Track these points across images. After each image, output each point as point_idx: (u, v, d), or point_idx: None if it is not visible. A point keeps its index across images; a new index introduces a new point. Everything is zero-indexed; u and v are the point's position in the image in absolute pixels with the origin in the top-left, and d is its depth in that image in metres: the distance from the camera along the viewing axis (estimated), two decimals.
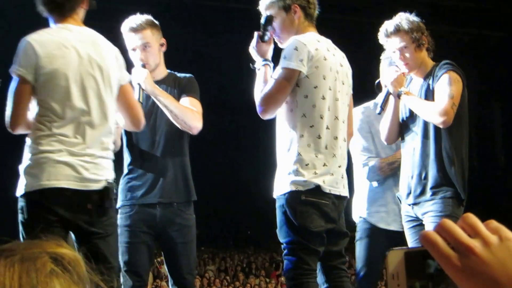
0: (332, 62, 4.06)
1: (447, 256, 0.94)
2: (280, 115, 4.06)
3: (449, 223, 0.96)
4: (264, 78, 4.06)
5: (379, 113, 4.53)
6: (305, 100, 3.97)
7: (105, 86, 3.72)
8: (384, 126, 4.58)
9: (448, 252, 0.94)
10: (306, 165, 3.92)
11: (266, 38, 4.15)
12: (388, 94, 4.50)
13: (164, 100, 4.37)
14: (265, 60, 4.14)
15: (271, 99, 3.96)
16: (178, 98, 4.50)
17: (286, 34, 4.14)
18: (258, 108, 4.00)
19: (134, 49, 4.49)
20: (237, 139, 26.45)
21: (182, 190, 4.53)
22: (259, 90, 4.02)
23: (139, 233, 4.37)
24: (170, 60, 4.68)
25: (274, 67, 4.09)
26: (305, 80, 3.95)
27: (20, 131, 3.66)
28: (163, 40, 4.60)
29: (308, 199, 3.90)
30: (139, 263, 4.40)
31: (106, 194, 3.68)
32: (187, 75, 4.66)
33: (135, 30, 4.48)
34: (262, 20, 4.15)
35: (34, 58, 3.57)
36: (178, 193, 4.51)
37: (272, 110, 3.99)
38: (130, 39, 4.51)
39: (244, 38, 4.57)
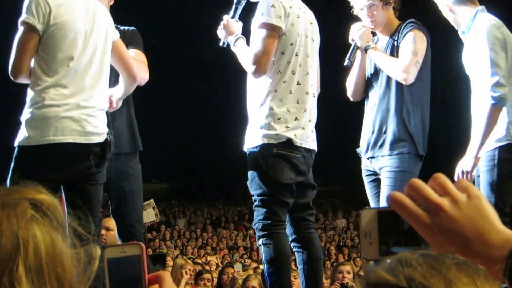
0: (304, 20, 4.14)
1: (416, 215, 0.98)
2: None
3: (418, 182, 1.00)
4: (245, 48, 4.11)
5: (347, 65, 4.56)
6: (281, 57, 4.05)
7: (105, 41, 3.80)
8: (350, 82, 4.65)
9: (417, 210, 0.98)
10: (278, 119, 4.00)
11: (237, 16, 4.25)
12: (355, 47, 4.54)
13: (116, 49, 4.36)
14: (236, 35, 4.20)
15: (263, 57, 3.98)
16: None
17: None
18: (252, 70, 4.01)
19: None
20: (208, 95, 26.32)
21: (129, 140, 4.59)
22: (247, 56, 4.04)
23: None
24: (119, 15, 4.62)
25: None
26: (282, 37, 4.02)
27: (21, 80, 3.67)
28: None
29: (280, 152, 3.98)
30: None
31: (107, 146, 3.75)
32: (131, 28, 4.66)
33: None
34: None
35: (46, 8, 3.59)
36: (125, 143, 4.56)
37: (265, 68, 4.01)
38: None
39: None
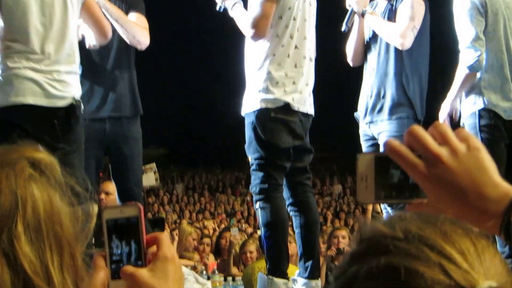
0: None
1: (414, 165, 0.96)
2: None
3: (418, 129, 0.98)
4: (243, 12, 4.09)
5: (344, 31, 4.53)
6: (279, 21, 4.04)
7: (65, 1, 3.70)
8: (350, 47, 4.63)
9: (414, 160, 0.96)
10: (276, 83, 4.01)
11: None
12: (352, 12, 4.50)
13: (115, 14, 4.36)
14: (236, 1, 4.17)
15: (261, 20, 3.97)
16: (125, 14, 4.50)
17: None
18: (250, 33, 4.00)
19: None
20: (207, 60, 26.21)
21: (130, 105, 4.59)
22: (245, 20, 4.03)
23: (89, 149, 4.27)
24: None
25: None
26: (281, 2, 4.01)
27: None
28: None
29: (277, 116, 4.00)
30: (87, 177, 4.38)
31: (72, 111, 3.69)
32: None
33: None
34: None
35: None
36: (126, 107, 4.57)
37: (264, 31, 4.00)
38: None
39: None
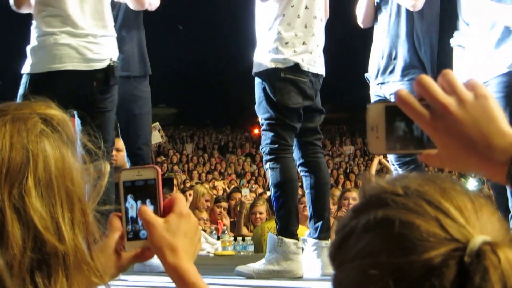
0: None
1: (421, 114, 0.96)
2: None
3: (426, 79, 0.98)
4: None
5: None
6: None
7: None
8: (360, 9, 4.56)
9: (421, 110, 0.96)
10: (286, 43, 4.00)
11: None
12: None
13: None
14: None
15: None
16: None
17: None
18: None
19: None
20: (217, 19, 26.04)
21: (139, 64, 4.61)
22: None
23: None
24: None
25: None
26: None
27: (24, 10, 3.70)
28: None
29: (287, 76, 4.00)
30: None
31: (110, 72, 3.74)
32: None
33: None
34: None
35: None
36: (135, 66, 4.59)
37: None
38: None
39: None
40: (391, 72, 4.34)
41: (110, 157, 4.05)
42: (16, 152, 1.04)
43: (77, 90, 3.64)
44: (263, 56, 4.05)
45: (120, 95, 4.38)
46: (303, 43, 4.04)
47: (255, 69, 4.12)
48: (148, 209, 1.26)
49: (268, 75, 4.01)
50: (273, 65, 4.00)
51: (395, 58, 4.34)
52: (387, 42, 4.38)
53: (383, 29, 4.41)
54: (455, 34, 4.35)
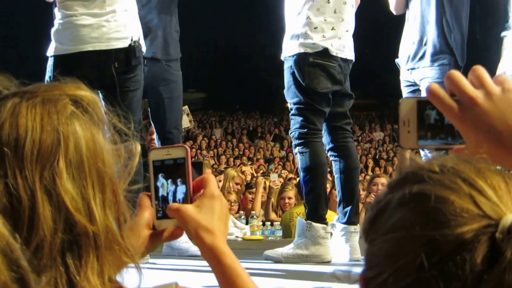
0: None
1: (450, 107, 0.98)
2: None
3: (456, 73, 0.99)
4: None
5: None
6: None
7: None
8: None
9: (450, 103, 0.98)
10: (315, 28, 4.00)
11: None
12: None
13: None
14: None
15: None
16: None
17: None
18: None
19: None
20: (246, 4, 26.02)
21: (170, 48, 4.61)
22: None
23: None
24: None
25: None
26: None
27: None
28: None
29: (316, 61, 4.00)
30: None
31: (131, 52, 3.75)
32: None
33: None
34: None
35: None
36: (166, 50, 4.59)
37: None
38: None
39: None
40: (421, 57, 4.35)
41: (139, 137, 4.07)
42: (47, 134, 1.05)
43: (99, 70, 3.67)
44: (292, 40, 4.05)
45: (150, 77, 4.41)
46: (332, 28, 4.03)
47: (284, 54, 4.12)
48: (173, 203, 1.27)
49: (296, 59, 4.01)
50: (302, 50, 4.00)
51: (425, 44, 4.34)
52: (417, 28, 4.38)
53: (414, 16, 4.40)
54: (506, 25, 4.31)
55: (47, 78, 3.69)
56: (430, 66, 4.31)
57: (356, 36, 4.26)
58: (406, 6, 4.50)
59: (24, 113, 1.06)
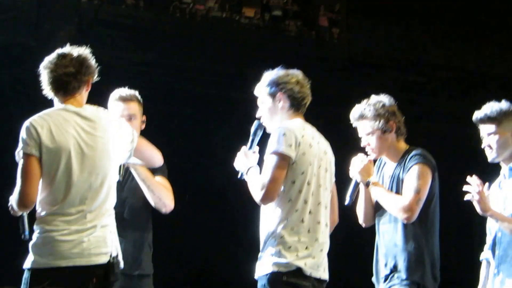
0: (316, 149, 4.17)
1: None
2: None
3: None
4: (256, 176, 4.13)
5: (348, 204, 4.54)
6: (292, 185, 4.07)
7: (104, 157, 3.78)
8: (360, 211, 4.65)
9: None
10: (289, 247, 4.00)
11: (254, 147, 4.32)
12: (356, 184, 4.54)
13: (142, 174, 4.46)
14: (250, 165, 4.22)
15: (270, 184, 3.99)
16: None
17: (271, 120, 4.28)
18: (259, 197, 4.02)
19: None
20: (224, 223, 26.14)
21: (142, 263, 4.63)
22: (256, 184, 4.07)
23: None
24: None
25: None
26: (293, 166, 4.06)
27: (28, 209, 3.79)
28: (144, 117, 4.79)
29: (290, 281, 3.96)
30: None
31: (110, 269, 3.74)
32: None
33: (124, 99, 4.67)
34: (253, 127, 4.34)
35: (37, 136, 3.66)
36: (139, 265, 4.60)
37: (272, 195, 4.02)
38: (117, 108, 4.66)
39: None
40: (392, 278, 4.39)
41: None
42: None
43: (78, 285, 3.63)
44: (266, 259, 4.04)
45: None
46: (306, 248, 4.04)
47: (258, 273, 4.09)
48: None
49: (270, 278, 3.98)
50: (275, 269, 3.97)
51: (395, 267, 4.39)
52: (385, 250, 4.45)
53: (383, 234, 4.49)
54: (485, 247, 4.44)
55: None
56: (399, 284, 4.34)
57: (330, 253, 4.26)
58: (376, 219, 4.60)
59: None
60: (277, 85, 4.22)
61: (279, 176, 4.01)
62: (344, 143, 4.80)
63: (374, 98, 4.57)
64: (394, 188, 4.49)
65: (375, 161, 4.65)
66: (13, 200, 3.74)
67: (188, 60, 9.03)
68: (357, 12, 9.73)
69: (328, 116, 7.06)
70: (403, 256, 4.34)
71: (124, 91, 4.71)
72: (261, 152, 4.25)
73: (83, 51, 3.89)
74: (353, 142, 4.67)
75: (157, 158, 4.15)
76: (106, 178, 3.78)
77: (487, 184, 4.29)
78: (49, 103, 3.95)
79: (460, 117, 4.83)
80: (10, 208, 3.89)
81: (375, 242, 4.65)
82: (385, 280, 4.43)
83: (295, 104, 4.25)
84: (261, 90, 4.30)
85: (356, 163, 4.54)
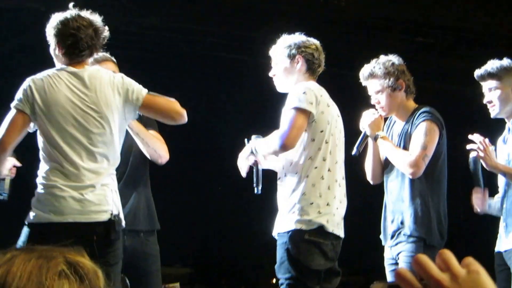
0: (333, 110, 4.30)
1: None
2: (286, 156, 4.22)
3: (423, 258, 1.07)
4: (264, 140, 4.23)
5: (354, 154, 4.56)
6: (312, 143, 4.17)
7: (102, 119, 3.84)
8: (368, 167, 4.69)
9: (418, 286, 1.04)
10: (311, 203, 4.09)
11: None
12: (365, 136, 4.56)
13: (136, 128, 4.46)
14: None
15: (291, 131, 4.04)
16: None
17: (285, 80, 4.38)
18: (279, 143, 4.06)
19: None
20: (236, 179, 26.15)
21: (146, 219, 4.64)
22: (274, 136, 4.14)
23: None
24: None
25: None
26: (313, 124, 4.15)
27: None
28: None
29: (311, 239, 4.06)
30: None
31: (111, 226, 3.77)
32: None
33: (98, 61, 4.44)
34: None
35: (31, 95, 3.79)
36: (142, 221, 4.61)
37: (293, 141, 4.06)
38: None
39: None
40: (398, 235, 4.42)
41: None
42: (31, 284, 1.13)
43: (78, 241, 3.65)
44: (287, 216, 4.11)
45: (130, 251, 4.37)
46: (327, 204, 4.11)
47: (278, 229, 4.17)
48: None
49: (292, 235, 4.06)
50: (297, 226, 4.05)
51: (401, 223, 4.42)
52: (393, 206, 4.49)
53: (390, 191, 4.53)
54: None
55: (20, 243, 3.69)
56: (405, 241, 4.37)
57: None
58: (384, 176, 4.63)
59: (18, 263, 1.16)
60: (298, 48, 4.34)
61: (300, 125, 4.08)
62: (350, 109, 4.80)
63: (383, 57, 4.61)
64: (402, 144, 4.51)
65: (385, 120, 4.68)
66: None
67: (196, 23, 9.03)
68: None
69: (335, 78, 7.06)
70: (409, 212, 4.37)
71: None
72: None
73: (98, 18, 3.95)
74: (361, 107, 4.69)
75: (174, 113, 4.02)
76: (103, 137, 3.84)
77: (487, 139, 4.38)
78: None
79: (468, 77, 4.83)
80: None
81: (381, 204, 4.70)
82: (392, 237, 4.48)
83: (312, 69, 4.37)
84: (278, 51, 4.40)
85: (367, 116, 4.57)
